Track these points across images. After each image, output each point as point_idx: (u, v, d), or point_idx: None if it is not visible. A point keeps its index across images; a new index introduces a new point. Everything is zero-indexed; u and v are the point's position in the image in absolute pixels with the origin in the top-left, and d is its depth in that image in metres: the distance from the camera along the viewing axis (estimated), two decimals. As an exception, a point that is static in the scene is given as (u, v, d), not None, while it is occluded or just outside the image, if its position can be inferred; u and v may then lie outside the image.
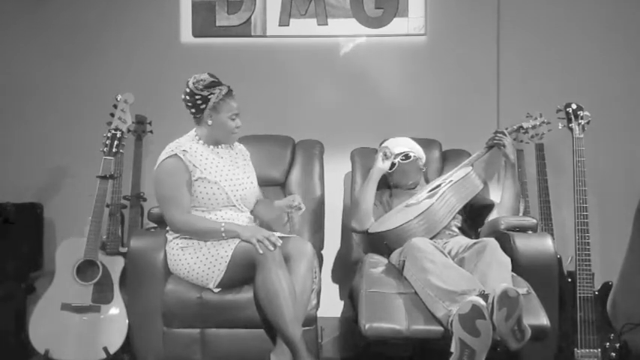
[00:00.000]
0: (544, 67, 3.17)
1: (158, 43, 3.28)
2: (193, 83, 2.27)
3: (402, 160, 2.63)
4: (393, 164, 2.64)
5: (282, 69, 3.25)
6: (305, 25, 3.24)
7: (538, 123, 2.69)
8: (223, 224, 2.20)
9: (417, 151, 2.70)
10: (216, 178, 2.29)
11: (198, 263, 2.17)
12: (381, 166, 2.62)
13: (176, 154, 2.26)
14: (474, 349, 1.87)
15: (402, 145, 2.69)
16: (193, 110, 2.31)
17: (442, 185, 2.52)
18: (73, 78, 3.29)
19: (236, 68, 3.15)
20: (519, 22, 3.20)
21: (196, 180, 2.27)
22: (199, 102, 2.27)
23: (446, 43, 3.23)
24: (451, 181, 2.53)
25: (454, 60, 3.22)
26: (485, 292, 1.95)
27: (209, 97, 2.27)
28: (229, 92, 2.31)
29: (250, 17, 3.25)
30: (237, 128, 2.35)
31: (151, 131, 3.09)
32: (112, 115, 2.71)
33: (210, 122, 2.31)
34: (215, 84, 2.28)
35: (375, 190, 2.60)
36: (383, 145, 2.73)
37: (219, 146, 2.40)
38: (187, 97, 2.29)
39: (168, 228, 2.31)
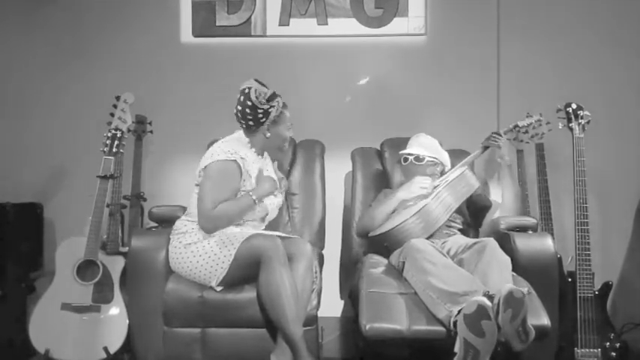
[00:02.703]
0: (544, 67, 3.18)
1: (158, 43, 3.28)
2: (256, 97, 2.26)
3: (414, 160, 2.62)
4: (406, 158, 2.62)
5: (282, 69, 3.25)
6: (305, 25, 3.24)
7: (534, 120, 2.69)
8: (253, 196, 2.23)
9: (438, 156, 2.64)
10: None
11: (201, 262, 2.17)
12: (405, 197, 2.50)
13: (236, 160, 2.25)
14: (479, 349, 1.86)
15: (424, 145, 2.65)
16: (252, 123, 2.31)
17: (439, 185, 2.53)
18: (73, 78, 3.29)
19: (236, 68, 3.16)
20: (519, 22, 3.20)
21: (244, 190, 2.28)
22: (261, 116, 2.29)
23: (446, 43, 3.23)
24: (447, 180, 2.53)
25: (454, 60, 3.22)
26: (490, 293, 1.95)
27: (270, 110, 2.29)
28: (284, 104, 2.36)
29: (250, 17, 3.26)
30: (290, 137, 2.42)
31: (151, 131, 3.09)
32: (112, 115, 2.71)
33: (268, 135, 2.34)
34: (274, 96, 2.30)
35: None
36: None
37: (264, 154, 2.44)
38: (248, 111, 2.28)
39: (174, 227, 2.30)
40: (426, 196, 2.47)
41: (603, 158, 3.00)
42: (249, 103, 2.27)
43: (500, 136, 2.55)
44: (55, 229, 3.25)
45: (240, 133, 2.38)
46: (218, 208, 2.19)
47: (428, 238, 2.36)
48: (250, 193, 2.25)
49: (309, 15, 3.24)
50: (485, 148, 2.60)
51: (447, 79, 3.22)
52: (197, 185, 2.30)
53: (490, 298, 1.92)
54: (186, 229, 2.26)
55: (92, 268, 2.61)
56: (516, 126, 2.67)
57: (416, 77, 3.25)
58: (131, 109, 2.74)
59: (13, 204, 3.02)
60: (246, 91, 2.28)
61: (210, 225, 2.21)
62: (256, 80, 2.32)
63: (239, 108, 2.30)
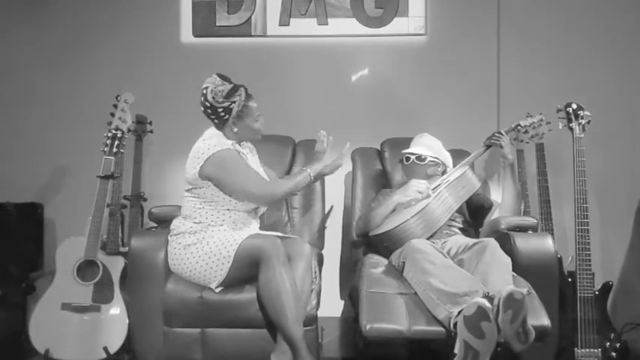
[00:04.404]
0: (544, 67, 3.18)
1: (158, 43, 3.28)
2: (212, 97, 2.22)
3: (415, 160, 2.62)
4: (408, 158, 2.62)
5: (283, 69, 3.25)
6: (305, 25, 3.24)
7: (536, 121, 2.70)
8: (311, 173, 2.30)
9: (440, 156, 2.63)
10: None
11: (200, 262, 2.17)
12: (401, 200, 2.51)
13: (229, 148, 2.23)
14: (478, 350, 1.87)
15: (427, 145, 2.64)
16: (216, 121, 2.29)
17: (441, 185, 2.53)
18: (74, 78, 3.29)
19: (236, 68, 3.12)
20: (519, 22, 3.20)
21: None
22: (222, 113, 2.25)
23: (446, 43, 3.23)
24: (448, 180, 2.53)
25: (454, 60, 3.22)
26: (490, 294, 1.95)
27: (231, 106, 2.25)
28: (248, 95, 2.29)
29: (250, 17, 3.26)
30: (260, 128, 2.37)
31: (151, 131, 3.09)
32: (112, 115, 2.71)
33: (235, 130, 2.30)
34: (233, 91, 2.24)
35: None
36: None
37: (242, 144, 2.40)
38: (209, 111, 2.26)
39: (172, 227, 2.29)
40: (424, 198, 2.47)
41: (603, 158, 3.00)
42: (207, 103, 2.24)
43: (502, 135, 2.55)
44: (55, 229, 3.25)
45: (213, 129, 2.34)
46: (276, 184, 2.29)
47: (428, 238, 2.36)
48: (308, 170, 2.30)
49: (310, 15, 3.24)
50: (488, 147, 2.60)
51: (447, 79, 3.22)
52: (190, 189, 2.28)
53: (490, 299, 1.92)
54: (184, 228, 2.25)
55: (92, 268, 2.61)
56: (518, 125, 2.68)
57: (416, 77, 3.25)
58: (131, 109, 2.74)
59: (14, 204, 3.02)
60: (204, 91, 2.25)
61: (271, 201, 2.32)
62: (218, 75, 2.28)
63: (202, 108, 2.28)
